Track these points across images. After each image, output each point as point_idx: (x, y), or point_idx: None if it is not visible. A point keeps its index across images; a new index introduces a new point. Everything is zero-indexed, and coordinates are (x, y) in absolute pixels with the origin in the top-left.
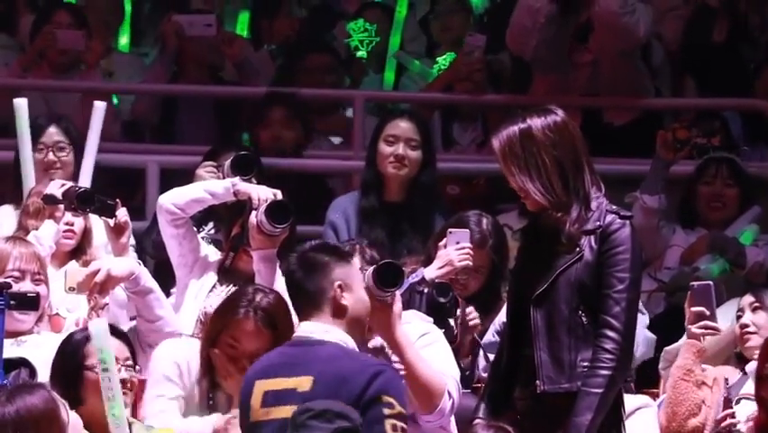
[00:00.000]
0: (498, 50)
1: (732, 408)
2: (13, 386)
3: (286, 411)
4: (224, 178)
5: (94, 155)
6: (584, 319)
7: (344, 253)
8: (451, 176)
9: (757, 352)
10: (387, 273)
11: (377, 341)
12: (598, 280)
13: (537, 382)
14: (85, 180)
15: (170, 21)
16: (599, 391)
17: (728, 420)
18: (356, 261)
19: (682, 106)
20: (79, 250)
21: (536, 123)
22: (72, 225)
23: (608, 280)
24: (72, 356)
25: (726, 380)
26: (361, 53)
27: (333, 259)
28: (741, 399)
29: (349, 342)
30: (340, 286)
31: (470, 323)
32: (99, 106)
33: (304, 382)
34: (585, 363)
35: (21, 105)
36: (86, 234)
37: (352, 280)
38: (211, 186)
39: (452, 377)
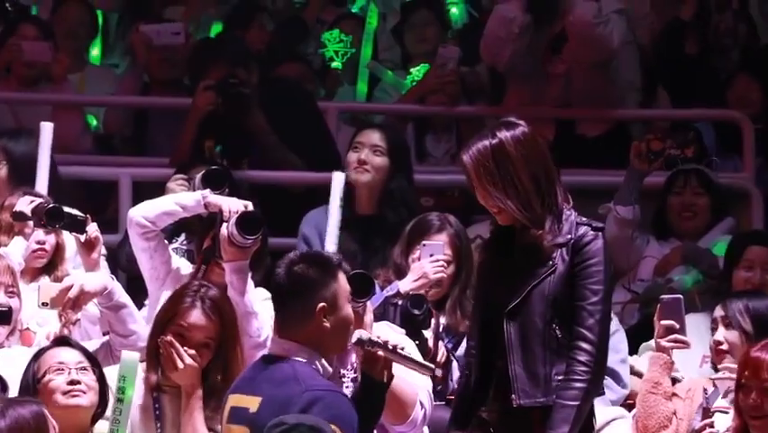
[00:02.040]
0: (475, 63)
1: (711, 417)
2: (5, 400)
3: (241, 430)
4: (227, 234)
5: (46, 177)
6: (558, 332)
7: (333, 266)
8: (425, 188)
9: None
10: (357, 284)
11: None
12: (572, 292)
13: (513, 396)
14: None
15: (138, 32)
16: (575, 403)
17: (708, 430)
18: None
19: (656, 117)
20: (51, 265)
21: (507, 137)
22: (44, 243)
23: (582, 292)
24: (27, 373)
25: (705, 390)
26: (336, 64)
27: (321, 277)
28: (715, 411)
29: (317, 361)
30: (323, 309)
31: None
32: (46, 127)
33: (254, 403)
34: (560, 377)
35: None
36: (59, 249)
37: (338, 298)
38: (181, 198)
39: (424, 387)
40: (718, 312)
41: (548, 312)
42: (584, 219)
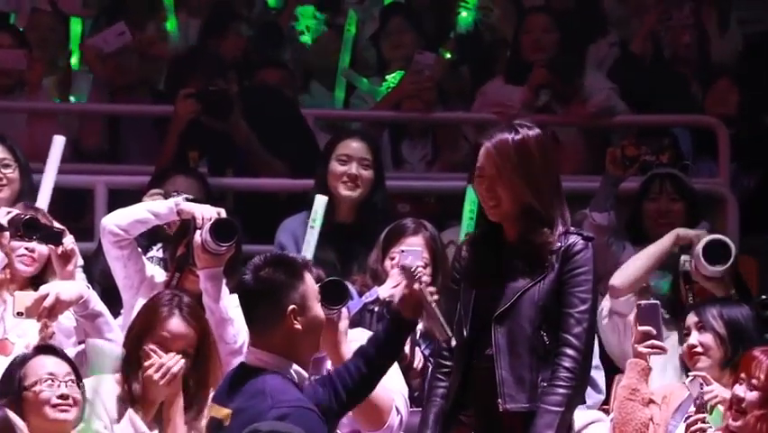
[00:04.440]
0: (459, 65)
1: (704, 413)
2: None
3: None
4: (200, 242)
5: (49, 192)
6: (546, 339)
7: (299, 268)
8: (401, 194)
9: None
10: (332, 291)
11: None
12: (560, 299)
13: (498, 400)
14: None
15: (86, 47)
16: (559, 409)
17: (699, 425)
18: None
19: (632, 123)
20: (41, 278)
21: (528, 135)
22: (33, 251)
23: (570, 299)
24: (12, 378)
25: (701, 384)
26: (305, 38)
27: (288, 279)
28: (690, 417)
29: (293, 371)
30: (294, 311)
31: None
32: (59, 140)
33: (226, 415)
34: (546, 383)
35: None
36: (50, 264)
37: (307, 298)
38: (154, 206)
39: (400, 393)
40: (691, 319)
41: (537, 318)
42: (573, 228)
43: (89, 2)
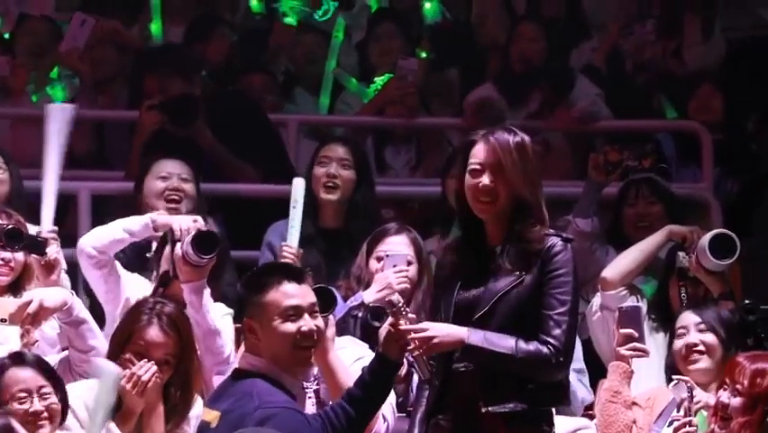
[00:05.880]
0: (444, 67)
1: (691, 416)
2: None
3: None
4: (181, 254)
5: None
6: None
7: (267, 280)
8: (385, 200)
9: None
10: (319, 298)
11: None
12: (539, 301)
13: (480, 402)
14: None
15: (62, 53)
16: (510, 352)
17: (687, 428)
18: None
19: (616, 129)
20: (17, 285)
21: (525, 138)
22: (10, 261)
23: (549, 301)
24: None
25: (691, 388)
26: (290, 20)
27: (249, 289)
28: (673, 420)
29: (281, 377)
30: (249, 324)
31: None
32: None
33: (215, 418)
34: (529, 385)
35: None
36: (26, 270)
37: (265, 311)
38: (129, 223)
39: (387, 400)
40: (690, 319)
41: (516, 321)
42: (552, 231)
43: (62, 4)
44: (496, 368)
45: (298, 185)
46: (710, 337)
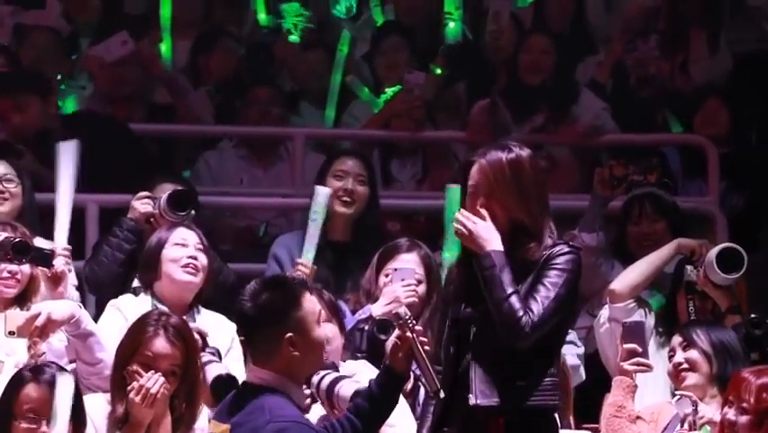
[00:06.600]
0: (453, 82)
1: (696, 431)
2: None
3: None
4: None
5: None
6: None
7: (295, 291)
8: (391, 213)
9: (693, 389)
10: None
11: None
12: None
13: (470, 395)
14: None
15: (89, 56)
16: (504, 294)
17: None
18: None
19: (622, 143)
20: (23, 297)
21: (521, 154)
22: (17, 273)
23: (537, 286)
24: (3, 403)
25: (696, 402)
26: (294, 37)
27: (286, 304)
28: (702, 424)
29: (291, 390)
30: (291, 339)
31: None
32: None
33: (225, 430)
34: (521, 383)
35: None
36: (32, 281)
37: (305, 323)
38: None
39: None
40: (676, 340)
41: None
42: (561, 240)
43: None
44: (484, 294)
45: (322, 194)
46: (693, 354)
